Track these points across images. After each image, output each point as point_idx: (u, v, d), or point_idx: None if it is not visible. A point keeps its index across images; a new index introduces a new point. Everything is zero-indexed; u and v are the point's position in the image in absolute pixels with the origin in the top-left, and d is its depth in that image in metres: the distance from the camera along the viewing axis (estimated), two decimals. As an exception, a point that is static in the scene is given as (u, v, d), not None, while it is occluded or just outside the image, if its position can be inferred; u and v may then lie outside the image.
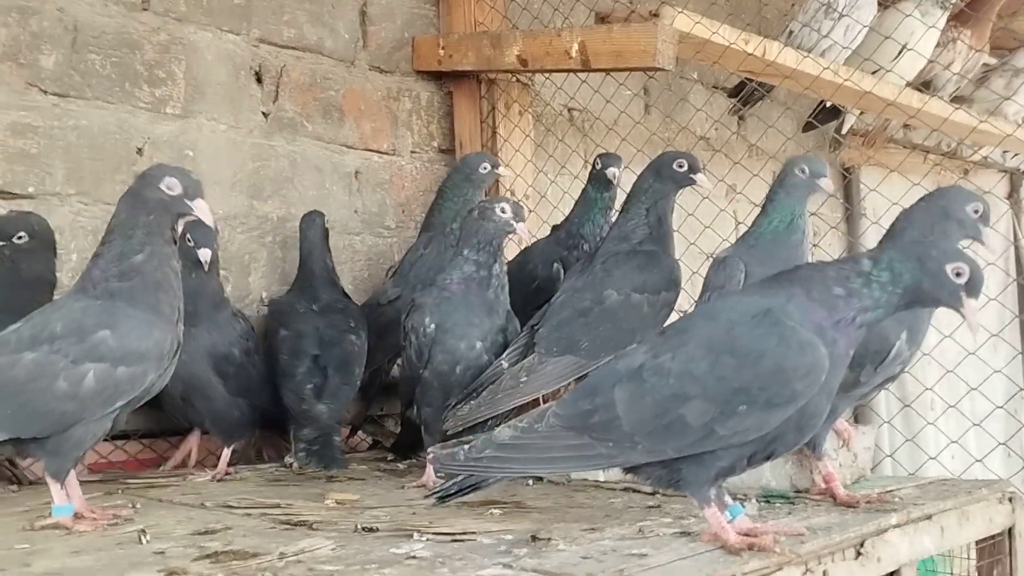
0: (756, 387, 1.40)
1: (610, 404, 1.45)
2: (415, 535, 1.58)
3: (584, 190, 2.80)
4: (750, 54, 2.79)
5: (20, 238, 2.20)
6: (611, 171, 2.67)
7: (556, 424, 1.50)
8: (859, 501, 1.77)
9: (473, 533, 1.61)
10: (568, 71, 3.07)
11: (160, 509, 1.90)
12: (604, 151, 2.82)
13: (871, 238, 4.52)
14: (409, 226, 3.29)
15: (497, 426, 2.34)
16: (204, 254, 2.33)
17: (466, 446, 1.58)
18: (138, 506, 1.92)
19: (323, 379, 2.52)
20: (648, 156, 3.31)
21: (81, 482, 2.34)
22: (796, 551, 1.42)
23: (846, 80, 3.20)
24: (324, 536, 1.58)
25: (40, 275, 2.24)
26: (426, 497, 1.64)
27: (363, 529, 1.65)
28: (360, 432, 3.03)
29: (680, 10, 2.72)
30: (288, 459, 2.53)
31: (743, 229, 3.55)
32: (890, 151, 5.17)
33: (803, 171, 2.19)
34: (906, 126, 5.10)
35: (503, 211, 2.28)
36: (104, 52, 2.61)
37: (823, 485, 1.86)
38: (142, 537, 1.56)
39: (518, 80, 3.34)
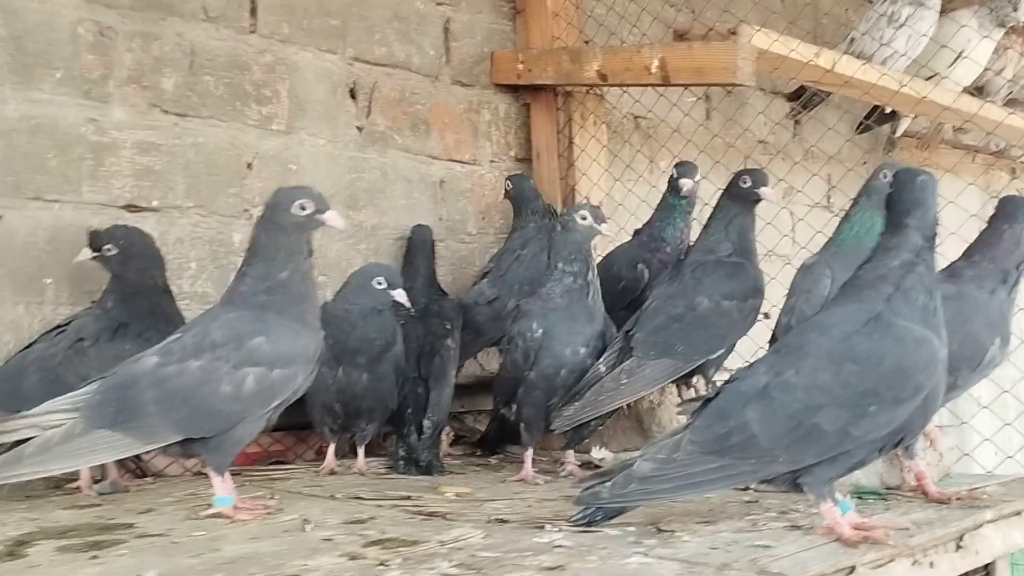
0: (883, 387, 1.54)
1: (744, 425, 1.57)
2: (547, 526, 1.73)
3: (663, 196, 2.95)
4: (828, 70, 2.92)
5: (108, 250, 2.32)
6: (683, 181, 2.82)
7: (694, 451, 1.60)
8: (951, 498, 1.91)
9: (607, 526, 1.75)
10: (647, 86, 3.21)
11: (299, 500, 2.06)
12: (681, 160, 2.96)
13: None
14: (488, 232, 3.45)
15: (600, 426, 2.52)
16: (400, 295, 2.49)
17: (607, 483, 1.65)
18: (278, 498, 2.09)
19: (426, 392, 2.65)
20: (710, 159, 3.49)
21: (192, 475, 2.56)
22: (907, 543, 1.56)
23: (904, 87, 3.32)
24: (467, 526, 1.74)
25: (141, 281, 2.35)
26: (571, 521, 1.72)
27: (496, 520, 1.81)
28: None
29: (758, 28, 2.86)
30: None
31: (801, 227, 3.68)
32: (941, 152, 5.27)
33: (885, 176, 2.33)
34: (957, 128, 5.19)
35: (584, 218, 2.45)
36: (217, 73, 2.79)
37: (913, 483, 1.99)
38: (305, 526, 1.72)
39: (593, 92, 3.48)
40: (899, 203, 1.71)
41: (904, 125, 4.84)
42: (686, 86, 3.16)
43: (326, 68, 3.05)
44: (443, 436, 2.98)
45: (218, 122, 2.79)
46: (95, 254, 2.33)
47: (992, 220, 2.11)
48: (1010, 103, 4.50)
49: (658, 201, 2.97)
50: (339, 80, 3.08)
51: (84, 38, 2.54)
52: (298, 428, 2.87)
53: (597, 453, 2.70)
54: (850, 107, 4.52)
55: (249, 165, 2.86)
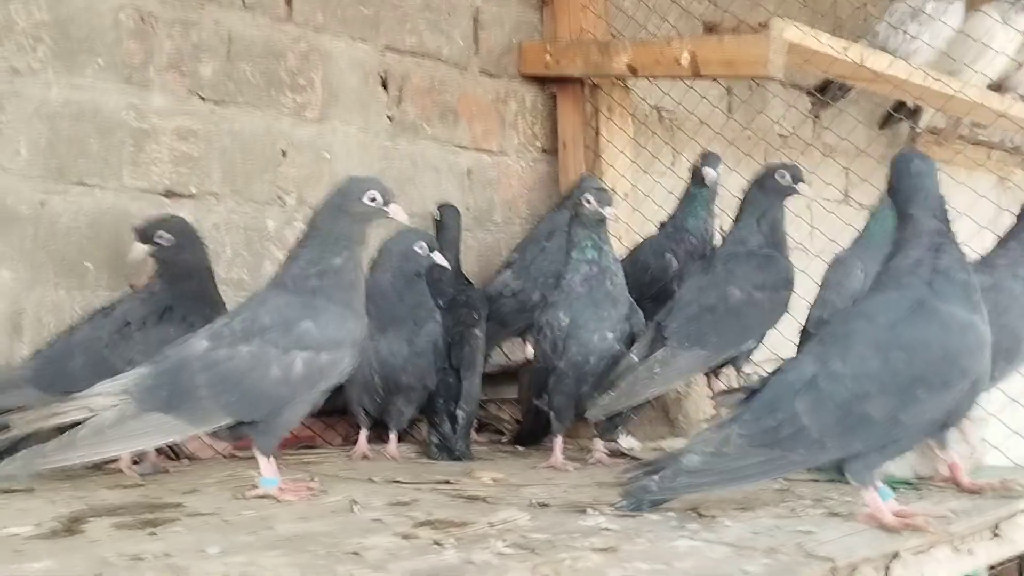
0: (930, 373, 1.58)
1: (794, 417, 1.59)
2: (588, 510, 1.76)
3: (686, 187, 2.99)
4: (859, 65, 2.94)
5: (161, 238, 2.34)
6: (706, 170, 2.85)
7: (744, 444, 1.62)
8: (984, 488, 1.94)
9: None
10: (677, 78, 3.23)
11: (339, 483, 2.09)
12: (704, 150, 2.99)
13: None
14: (514, 222, 3.48)
15: (634, 415, 2.55)
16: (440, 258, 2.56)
17: (655, 476, 1.67)
18: (318, 480, 2.12)
19: (457, 382, 2.68)
20: (732, 151, 3.51)
21: (226, 458, 2.60)
22: (947, 530, 1.59)
23: (933, 81, 3.33)
24: (511, 509, 1.77)
25: (193, 266, 2.39)
26: (617, 508, 1.73)
27: (538, 504, 1.84)
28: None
29: (789, 21, 2.88)
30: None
31: (819, 221, 3.70)
32: (956, 147, 5.29)
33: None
34: (975, 124, 5.21)
35: (588, 202, 2.46)
36: (254, 61, 2.82)
37: (947, 473, 2.02)
38: (354, 506, 1.76)
39: (620, 84, 3.51)
40: (900, 192, 1.73)
41: (926, 120, 4.86)
42: (716, 79, 3.17)
43: (359, 57, 3.08)
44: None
45: (254, 109, 2.82)
46: (149, 246, 2.33)
47: None
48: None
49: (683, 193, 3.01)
50: (371, 69, 3.11)
51: (126, 24, 2.58)
52: (326, 414, 2.90)
53: (625, 442, 2.73)
54: (869, 102, 4.55)
55: (283, 153, 2.89)
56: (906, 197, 1.72)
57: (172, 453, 2.59)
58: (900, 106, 4.48)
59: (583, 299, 2.48)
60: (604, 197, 2.48)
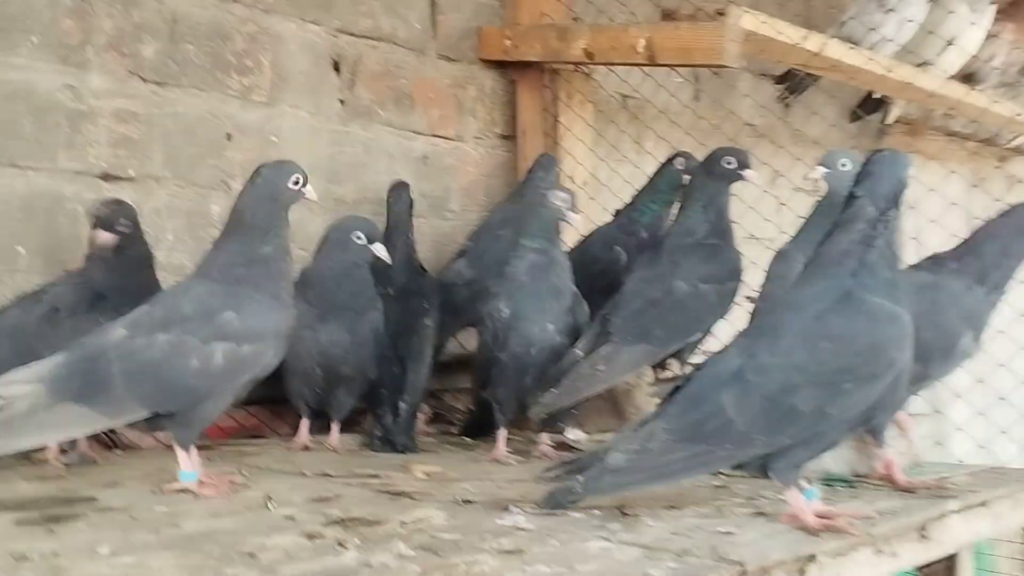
0: (858, 364, 1.55)
1: (720, 410, 1.56)
2: (511, 507, 1.72)
3: (652, 180, 2.93)
4: (815, 54, 2.90)
5: (123, 227, 2.29)
6: (679, 161, 2.80)
7: (668, 439, 1.57)
8: (918, 487, 1.91)
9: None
10: (634, 65, 3.18)
11: (267, 477, 2.05)
12: (681, 151, 2.92)
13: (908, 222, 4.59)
14: (472, 210, 3.43)
15: (574, 409, 2.50)
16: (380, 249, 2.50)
17: (579, 477, 1.62)
18: (246, 473, 2.08)
19: (403, 373, 2.63)
20: (696, 141, 3.47)
21: (163, 448, 2.54)
22: (869, 532, 1.56)
23: (891, 73, 3.30)
24: (431, 506, 1.73)
25: (143, 256, 2.36)
26: (539, 505, 1.69)
27: (462, 501, 1.80)
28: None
29: (746, 9, 2.83)
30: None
31: (786, 212, 3.67)
32: (929, 138, 5.26)
33: (844, 165, 2.34)
34: (946, 115, 5.19)
35: (560, 200, 2.44)
36: (199, 42, 2.75)
37: (883, 471, 1.99)
38: (268, 503, 1.72)
39: (580, 70, 3.45)
40: (855, 179, 1.71)
41: (895, 112, 4.83)
42: (673, 66, 3.13)
43: (310, 39, 3.01)
44: (420, 416, 2.99)
45: (198, 92, 2.76)
46: (114, 235, 2.27)
47: (992, 220, 2.10)
48: (1001, 90, 4.50)
49: (644, 183, 2.96)
50: (323, 52, 3.05)
51: (63, 3, 2.50)
52: (273, 403, 2.86)
53: (571, 434, 2.70)
54: (840, 92, 4.51)
55: (229, 136, 2.82)
56: (858, 180, 1.70)
57: (110, 441, 2.55)
58: (866, 99, 4.45)
59: (526, 290, 2.44)
60: (572, 201, 2.45)
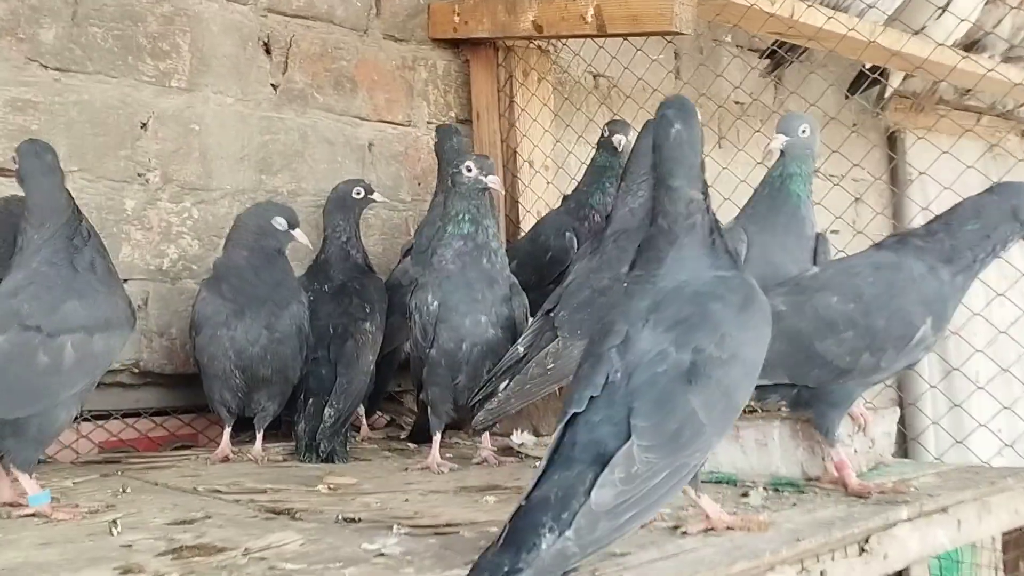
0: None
1: (692, 414, 1.33)
2: (395, 527, 1.51)
3: (592, 158, 2.73)
4: (772, 15, 2.65)
5: None
6: (617, 138, 2.59)
7: (652, 458, 1.29)
8: (871, 491, 1.67)
9: (458, 525, 1.54)
10: (584, 36, 2.96)
11: (148, 494, 1.86)
12: (613, 117, 2.72)
13: (916, 196, 4.31)
14: (425, 199, 3.20)
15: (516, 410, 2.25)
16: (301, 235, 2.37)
17: (568, 532, 1.22)
18: (128, 490, 1.89)
19: (332, 376, 2.43)
20: None
21: (82, 463, 2.36)
22: (796, 546, 1.32)
23: (874, 39, 3.05)
24: (300, 528, 1.53)
25: None
26: None
27: (344, 520, 1.59)
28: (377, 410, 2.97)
29: (698, -30, 2.60)
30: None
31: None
32: (940, 112, 4.96)
33: (804, 131, 2.12)
34: (965, 92, 4.90)
35: (468, 169, 2.22)
36: (106, 25, 2.56)
37: (835, 473, 1.75)
38: (112, 528, 1.51)
39: (537, 47, 3.23)
40: (972, 220, 1.71)
41: (894, 84, 4.54)
42: (624, 36, 2.89)
43: (235, 20, 2.81)
44: (364, 422, 2.78)
45: (107, 78, 2.57)
46: None
47: (975, 198, 1.84)
48: (1009, 59, 4.19)
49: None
50: (250, 33, 2.85)
51: (-54, -14, 2.33)
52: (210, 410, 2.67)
53: (517, 438, 2.48)
54: (838, 65, 4.23)
55: (144, 125, 2.63)
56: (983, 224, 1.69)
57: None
58: (864, 73, 4.17)
59: (454, 279, 2.22)
60: (486, 165, 2.23)
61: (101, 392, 2.64)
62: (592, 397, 1.35)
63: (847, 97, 4.44)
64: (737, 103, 3.90)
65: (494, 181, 2.20)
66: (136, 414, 2.67)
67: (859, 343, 1.73)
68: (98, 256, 1.74)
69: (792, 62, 3.86)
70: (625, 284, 1.48)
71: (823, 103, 3.91)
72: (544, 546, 1.20)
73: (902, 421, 2.37)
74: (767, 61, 4.11)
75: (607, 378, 1.36)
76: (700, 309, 1.44)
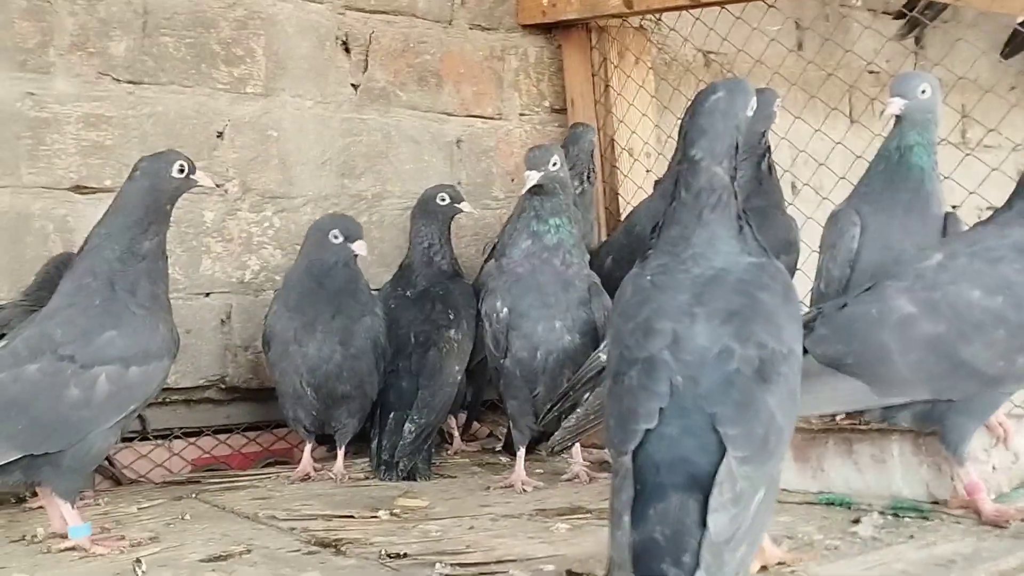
0: None
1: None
2: (437, 565, 1.35)
3: None
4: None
5: None
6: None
7: (750, 471, 1.10)
8: (1010, 519, 1.39)
9: (511, 562, 1.37)
10: (676, 9, 2.71)
11: (205, 522, 1.77)
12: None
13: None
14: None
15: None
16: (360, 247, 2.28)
17: (699, 574, 1.05)
18: (187, 517, 1.80)
19: (413, 389, 2.29)
20: (806, 94, 2.94)
21: (163, 483, 2.31)
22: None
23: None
24: (335, 567, 1.38)
25: None
26: None
27: (387, 555, 1.45)
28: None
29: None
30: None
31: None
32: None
33: (924, 91, 1.82)
34: None
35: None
36: (177, 33, 2.50)
37: (966, 496, 1.48)
38: (137, 568, 1.41)
39: (634, 26, 3.00)
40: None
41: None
42: (721, 4, 2.63)
43: (310, 20, 2.71)
44: (456, 434, 2.63)
45: (181, 88, 2.51)
46: None
47: None
48: None
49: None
50: (327, 32, 2.74)
51: (16, 3, 2.30)
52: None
53: (615, 449, 2.27)
54: (990, 24, 3.80)
55: (220, 134, 2.56)
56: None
57: (113, 476, 2.35)
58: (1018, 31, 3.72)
59: (525, 281, 2.04)
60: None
61: (191, 409, 2.62)
62: (660, 408, 1.15)
63: (1007, 56, 3.97)
64: (871, 73, 3.52)
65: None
66: (228, 430, 2.61)
67: (1014, 343, 1.45)
68: (145, 279, 1.64)
69: (927, 24, 3.48)
70: (649, 277, 1.27)
71: (975, 69, 3.46)
72: None
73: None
74: (901, 23, 3.71)
75: (670, 384, 1.16)
76: (750, 300, 1.23)
